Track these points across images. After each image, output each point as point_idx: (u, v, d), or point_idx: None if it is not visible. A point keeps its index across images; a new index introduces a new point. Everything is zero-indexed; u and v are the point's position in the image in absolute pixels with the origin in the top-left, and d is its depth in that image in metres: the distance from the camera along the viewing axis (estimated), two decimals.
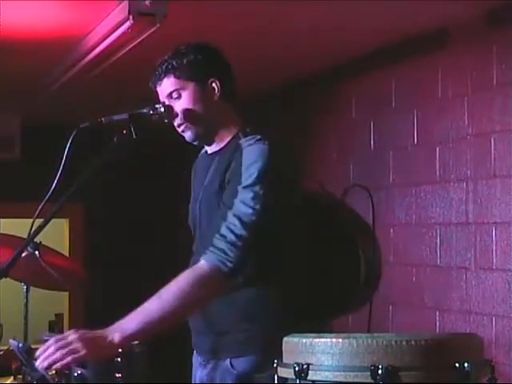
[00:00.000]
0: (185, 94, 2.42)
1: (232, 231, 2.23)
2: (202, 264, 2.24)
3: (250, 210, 2.24)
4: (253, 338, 2.34)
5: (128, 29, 3.35)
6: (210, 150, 2.52)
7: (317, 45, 4.21)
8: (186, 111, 2.42)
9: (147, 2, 3.19)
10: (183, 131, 2.46)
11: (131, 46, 3.65)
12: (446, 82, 3.93)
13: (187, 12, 3.49)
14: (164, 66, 2.44)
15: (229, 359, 2.37)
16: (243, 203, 2.25)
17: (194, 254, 2.53)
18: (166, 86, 2.44)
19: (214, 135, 2.47)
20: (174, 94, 2.43)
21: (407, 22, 3.79)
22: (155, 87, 2.48)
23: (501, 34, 3.60)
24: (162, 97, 2.46)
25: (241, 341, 2.36)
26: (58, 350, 2.17)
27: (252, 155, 2.31)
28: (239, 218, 2.24)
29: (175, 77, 2.42)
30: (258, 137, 2.36)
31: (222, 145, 2.46)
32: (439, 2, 3.42)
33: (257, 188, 2.26)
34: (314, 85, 4.98)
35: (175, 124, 2.45)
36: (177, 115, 2.43)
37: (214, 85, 2.43)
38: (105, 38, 3.64)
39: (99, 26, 3.66)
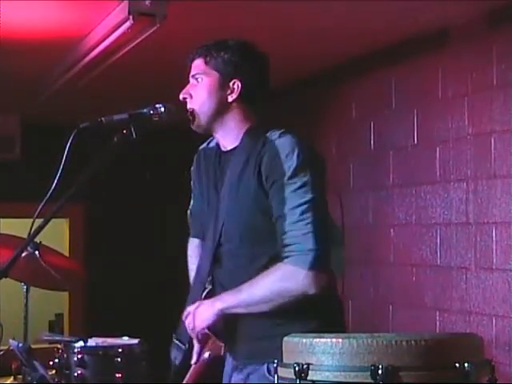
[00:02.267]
0: (205, 81, 2.45)
1: (301, 227, 2.27)
2: (297, 268, 2.27)
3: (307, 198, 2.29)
4: None
5: (128, 29, 3.35)
6: (223, 147, 2.52)
7: (317, 45, 4.20)
8: (200, 96, 2.45)
9: (147, 2, 3.19)
10: (191, 116, 2.47)
11: (131, 45, 3.65)
12: (446, 81, 3.93)
13: (187, 12, 3.49)
14: (203, 49, 2.48)
15: (266, 364, 2.35)
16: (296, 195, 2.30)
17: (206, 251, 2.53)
18: (195, 66, 2.49)
19: (220, 126, 2.47)
20: (197, 76, 2.47)
21: (407, 22, 3.78)
22: (189, 63, 2.52)
23: (501, 34, 3.60)
24: (189, 74, 2.50)
25: (279, 345, 2.34)
26: None
27: (287, 146, 2.33)
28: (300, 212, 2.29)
29: (205, 62, 2.45)
30: (283, 130, 2.40)
31: (237, 143, 2.46)
32: (439, 2, 3.42)
33: (306, 177, 2.31)
34: (314, 85, 4.98)
35: (188, 106, 2.47)
36: (191, 97, 2.46)
37: (235, 86, 2.44)
38: (105, 38, 3.64)
39: (99, 26, 3.66)
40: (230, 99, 2.44)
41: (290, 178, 2.30)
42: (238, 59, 2.45)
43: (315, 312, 2.37)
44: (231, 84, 2.44)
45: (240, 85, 2.43)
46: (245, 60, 2.46)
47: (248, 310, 2.35)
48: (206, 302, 2.45)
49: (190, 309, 2.45)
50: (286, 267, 2.27)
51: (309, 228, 2.26)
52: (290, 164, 2.30)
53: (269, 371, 2.34)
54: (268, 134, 2.39)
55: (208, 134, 2.56)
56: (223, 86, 2.44)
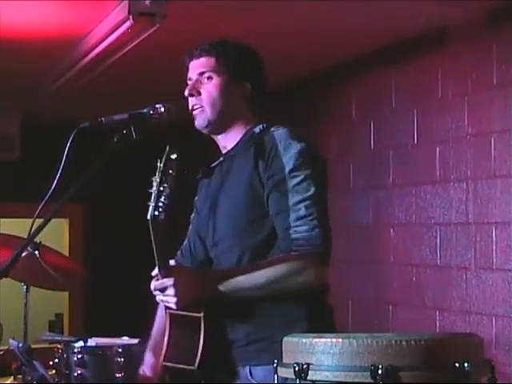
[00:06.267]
0: (217, 80, 2.42)
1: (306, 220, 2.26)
2: (308, 262, 2.24)
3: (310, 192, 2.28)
4: (272, 346, 2.22)
5: (128, 29, 3.36)
6: (223, 148, 2.50)
7: (317, 44, 4.21)
8: (211, 94, 2.42)
9: (147, 2, 3.19)
10: (197, 114, 2.44)
11: (131, 46, 3.65)
12: (446, 82, 3.93)
13: (187, 12, 3.50)
14: (211, 46, 2.44)
15: (248, 367, 2.34)
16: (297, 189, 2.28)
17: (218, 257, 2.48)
18: (203, 63, 2.44)
19: (225, 128, 2.46)
20: (206, 74, 2.43)
21: (407, 22, 3.79)
22: (190, 60, 2.47)
23: (501, 34, 3.60)
24: (192, 71, 2.46)
25: (260, 349, 2.32)
26: None
27: (284, 138, 2.32)
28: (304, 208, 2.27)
29: (217, 61, 2.43)
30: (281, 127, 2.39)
31: (236, 143, 2.45)
32: (439, 2, 3.42)
33: (307, 170, 2.30)
34: (314, 85, 4.98)
35: (191, 104, 2.44)
36: (199, 94, 2.42)
37: (244, 88, 2.44)
38: (105, 38, 3.64)
39: (99, 25, 3.66)
40: (238, 101, 2.44)
41: (292, 171, 2.28)
42: (246, 62, 2.45)
43: (304, 316, 2.34)
44: (241, 86, 2.43)
45: (249, 87, 2.43)
46: (252, 63, 2.46)
47: (241, 292, 2.27)
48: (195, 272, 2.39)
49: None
50: (297, 260, 2.24)
51: (315, 223, 2.25)
52: (289, 157, 2.29)
53: (250, 374, 2.34)
54: (265, 129, 2.40)
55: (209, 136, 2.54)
56: (234, 87, 2.43)
